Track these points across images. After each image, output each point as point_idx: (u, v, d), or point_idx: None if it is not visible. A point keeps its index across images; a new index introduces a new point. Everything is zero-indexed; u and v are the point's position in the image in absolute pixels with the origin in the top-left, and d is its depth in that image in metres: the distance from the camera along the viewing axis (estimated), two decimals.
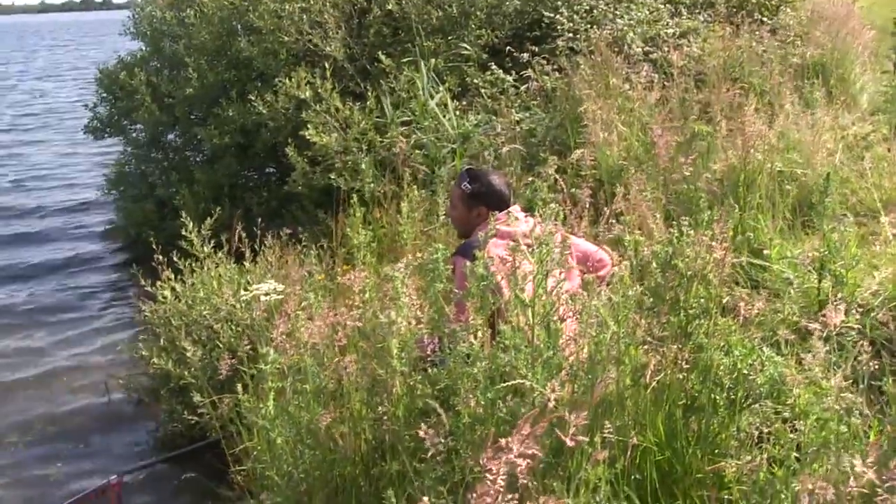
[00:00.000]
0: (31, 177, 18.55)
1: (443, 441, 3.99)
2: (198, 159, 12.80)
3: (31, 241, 14.54)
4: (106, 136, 13.95)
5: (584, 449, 3.76)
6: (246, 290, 6.58)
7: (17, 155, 20.62)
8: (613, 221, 6.63)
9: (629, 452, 4.17)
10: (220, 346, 6.94)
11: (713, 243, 4.57)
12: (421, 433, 3.87)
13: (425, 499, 3.06)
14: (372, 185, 9.29)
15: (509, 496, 3.03)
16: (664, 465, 4.37)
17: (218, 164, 11.93)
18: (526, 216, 5.62)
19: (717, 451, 4.40)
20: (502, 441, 3.06)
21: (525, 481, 3.04)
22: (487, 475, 2.98)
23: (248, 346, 5.69)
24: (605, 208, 6.59)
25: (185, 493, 7.19)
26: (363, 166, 9.37)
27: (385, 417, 4.72)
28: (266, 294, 5.95)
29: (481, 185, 6.02)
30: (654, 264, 4.52)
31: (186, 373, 6.74)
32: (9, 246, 14.28)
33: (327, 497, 5.04)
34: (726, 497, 4.15)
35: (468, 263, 4.53)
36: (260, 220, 8.29)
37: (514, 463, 3.00)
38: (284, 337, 5.16)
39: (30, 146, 21.52)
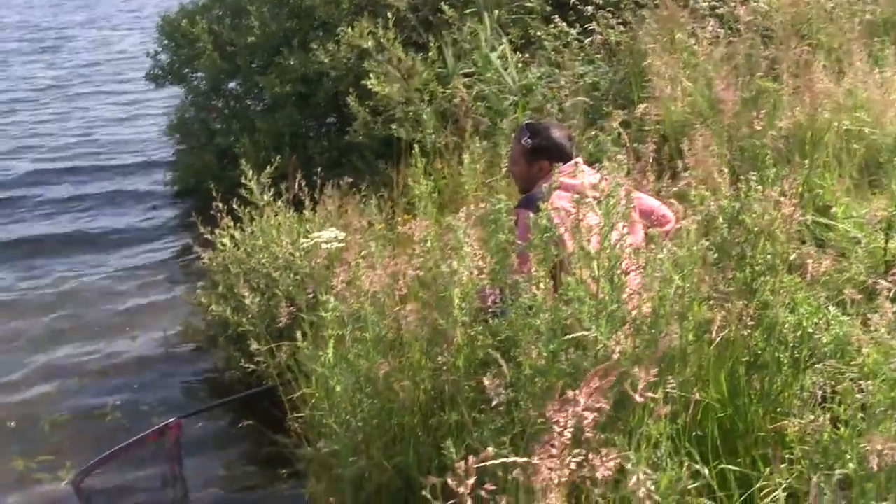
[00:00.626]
0: (92, 125, 18.59)
1: (503, 392, 3.96)
2: (258, 108, 12.76)
3: (92, 187, 14.58)
4: (167, 84, 13.94)
5: (647, 404, 3.72)
6: (307, 237, 6.58)
7: (80, 105, 20.69)
8: (677, 175, 6.57)
9: (691, 408, 4.13)
10: (279, 294, 6.94)
11: (781, 199, 4.50)
12: (486, 381, 3.85)
13: (490, 448, 3.01)
14: (433, 135, 9.26)
15: (574, 449, 3.01)
16: (726, 422, 4.32)
17: (279, 113, 11.89)
18: (592, 170, 5.55)
19: (779, 409, 4.35)
20: (570, 393, 3.02)
21: (590, 435, 3.01)
22: (554, 427, 2.95)
23: (309, 295, 5.70)
24: (669, 163, 6.50)
25: (241, 439, 7.22)
26: (425, 117, 9.33)
27: (445, 368, 4.70)
28: (327, 242, 5.95)
29: (542, 138, 5.96)
30: (721, 219, 4.46)
31: (244, 320, 6.77)
32: (69, 192, 14.35)
33: (384, 446, 5.04)
34: (788, 456, 4.09)
35: (531, 215, 4.49)
36: (320, 169, 8.30)
37: (581, 416, 2.97)
38: (345, 285, 5.15)
39: (92, 96, 21.56)
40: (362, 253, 5.51)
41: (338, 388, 4.79)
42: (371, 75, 9.74)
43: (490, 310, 4.79)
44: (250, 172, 7.17)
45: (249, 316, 6.76)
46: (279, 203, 7.72)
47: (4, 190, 14.50)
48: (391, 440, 5.09)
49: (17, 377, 8.54)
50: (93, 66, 25.19)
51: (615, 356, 3.78)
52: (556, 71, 9.68)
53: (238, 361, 7.36)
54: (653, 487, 3.46)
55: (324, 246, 6.12)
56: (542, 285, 4.26)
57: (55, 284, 10.69)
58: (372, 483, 5.04)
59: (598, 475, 3.08)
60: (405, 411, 5.06)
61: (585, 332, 3.95)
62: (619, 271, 4.12)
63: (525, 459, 3.09)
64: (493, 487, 3.12)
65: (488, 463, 3.04)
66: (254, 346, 6.31)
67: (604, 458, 3.09)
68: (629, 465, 3.45)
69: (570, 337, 4.06)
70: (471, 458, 3.01)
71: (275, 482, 6.67)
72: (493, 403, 3.97)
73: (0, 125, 18.61)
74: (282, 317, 5.74)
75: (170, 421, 6.98)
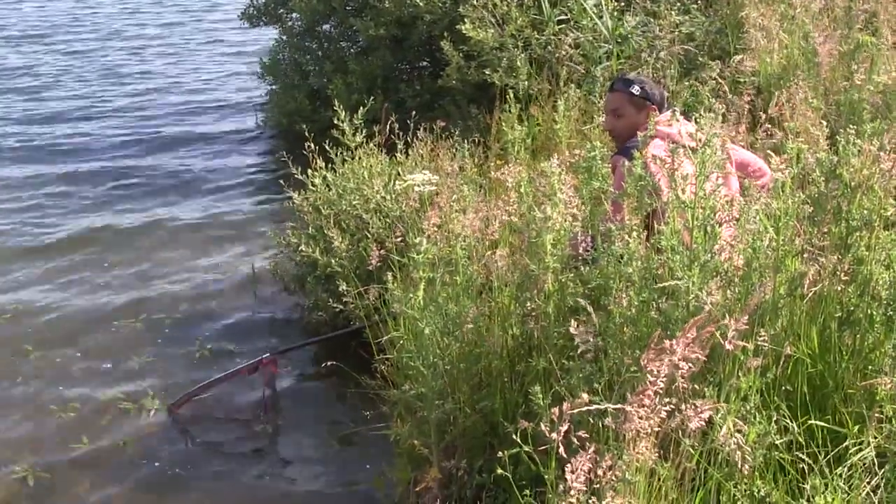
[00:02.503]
0: (185, 66, 18.74)
1: (590, 340, 3.96)
2: (352, 50, 12.76)
3: (184, 127, 14.71)
4: (262, 23, 13.99)
5: (737, 356, 3.70)
6: (399, 180, 6.59)
7: (170, 40, 20.87)
8: (772, 128, 6.48)
9: (781, 362, 4.09)
10: (368, 236, 6.98)
11: (880, 154, 4.42)
12: (572, 329, 3.84)
13: (584, 395, 3.02)
14: (527, 82, 9.22)
15: (667, 399, 3.00)
16: (816, 378, 4.28)
17: (372, 56, 11.90)
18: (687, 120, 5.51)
19: (870, 367, 4.28)
20: (666, 343, 3.01)
21: (683, 385, 3.00)
22: (648, 375, 2.94)
23: (399, 238, 5.72)
24: (764, 115, 6.41)
25: (327, 379, 7.30)
26: (518, 63, 9.28)
27: (534, 314, 4.70)
28: (420, 184, 5.95)
29: (644, 84, 6.00)
30: (818, 172, 4.39)
31: (333, 261, 6.82)
32: (161, 131, 14.50)
33: (471, 390, 5.06)
34: (877, 415, 4.04)
35: (627, 163, 4.47)
36: (413, 112, 8.29)
37: (676, 365, 2.95)
38: (436, 228, 5.16)
39: (186, 35, 21.73)
40: (454, 197, 5.52)
41: (426, 331, 4.80)
42: (466, 20, 9.70)
43: (581, 257, 4.77)
44: (343, 114, 7.18)
45: (338, 257, 6.81)
46: (371, 145, 7.74)
47: (98, 124, 14.70)
48: (477, 385, 5.12)
49: (107, 313, 8.68)
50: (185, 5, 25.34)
51: (707, 307, 3.76)
52: (652, 20, 9.57)
53: (326, 302, 7.45)
54: (741, 440, 3.44)
55: (416, 189, 6.13)
56: (634, 234, 4.24)
57: (147, 223, 10.83)
58: (457, 427, 5.07)
59: (692, 426, 3.07)
60: (493, 356, 5.08)
61: (677, 282, 3.92)
62: (713, 221, 4.09)
63: (618, 406, 3.09)
64: (584, 435, 3.13)
65: (582, 409, 3.04)
66: (342, 287, 6.35)
67: (697, 410, 3.08)
68: (718, 417, 3.44)
69: (661, 286, 4.05)
70: (565, 405, 3.01)
71: (360, 423, 6.71)
72: (580, 351, 3.97)
73: (98, 65, 18.83)
74: (371, 259, 5.77)
75: (264, 356, 7.08)
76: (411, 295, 4.89)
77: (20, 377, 7.61)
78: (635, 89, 5.97)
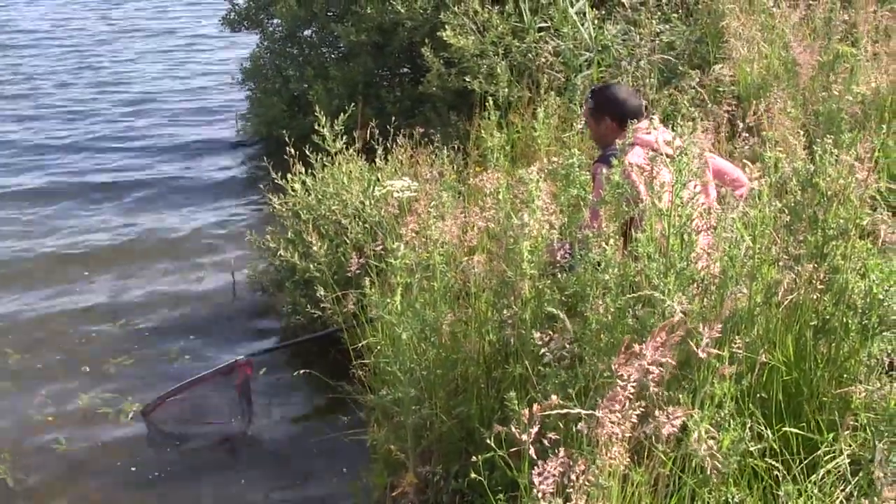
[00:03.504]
0: (164, 71, 18.72)
1: (568, 346, 3.98)
2: (333, 56, 12.77)
3: (163, 130, 14.71)
4: (243, 28, 13.97)
5: (712, 363, 3.72)
6: (379, 185, 6.60)
7: (151, 50, 20.83)
8: (751, 137, 6.52)
9: (756, 370, 4.11)
10: (347, 242, 6.99)
11: (856, 164, 4.45)
12: (537, 340, 3.86)
13: (553, 397, 3.03)
14: (507, 89, 9.24)
15: (637, 403, 3.01)
16: (791, 385, 4.31)
17: (353, 62, 11.90)
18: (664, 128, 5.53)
19: (845, 375, 4.32)
20: (636, 347, 3.02)
21: (655, 390, 3.01)
22: (619, 380, 2.96)
23: (378, 244, 5.73)
24: (742, 124, 6.44)
25: (304, 383, 7.27)
26: (499, 70, 9.31)
27: (510, 320, 4.71)
28: (399, 190, 5.96)
29: (601, 96, 6.05)
30: (795, 181, 4.42)
31: (312, 266, 6.82)
32: (141, 134, 14.49)
33: (448, 396, 5.08)
34: (851, 423, 4.07)
35: (605, 171, 4.49)
36: (393, 119, 8.30)
37: (646, 370, 2.97)
38: (414, 234, 5.17)
39: (164, 40, 21.70)
40: (433, 203, 5.53)
41: (404, 336, 4.81)
42: (447, 27, 9.71)
43: (559, 264, 4.79)
44: (324, 119, 7.19)
45: (317, 262, 6.80)
46: (351, 151, 7.75)
47: (77, 132, 14.66)
48: (454, 390, 5.13)
49: (86, 318, 8.66)
50: (165, 10, 25.28)
51: (678, 315, 3.77)
52: (633, 29, 9.60)
53: (304, 307, 7.46)
54: (714, 447, 3.46)
55: (396, 194, 6.14)
56: (611, 241, 4.26)
57: (127, 229, 10.81)
58: (433, 432, 5.09)
59: (664, 432, 3.08)
60: (469, 362, 5.10)
61: (653, 291, 3.94)
62: (689, 229, 4.11)
63: (589, 412, 3.11)
64: (555, 437, 3.14)
65: (552, 413, 3.05)
66: (320, 292, 6.36)
67: (669, 416, 3.09)
68: (691, 423, 3.46)
69: (637, 294, 4.07)
70: (535, 406, 3.02)
71: (336, 428, 6.71)
72: (545, 360, 4.00)
73: (76, 71, 18.78)
74: (350, 264, 5.77)
75: (239, 359, 7.09)
76: (389, 300, 4.90)
77: None
78: (588, 102, 6.06)
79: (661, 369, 3.06)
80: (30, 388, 7.52)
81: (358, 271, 5.71)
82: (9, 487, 6.36)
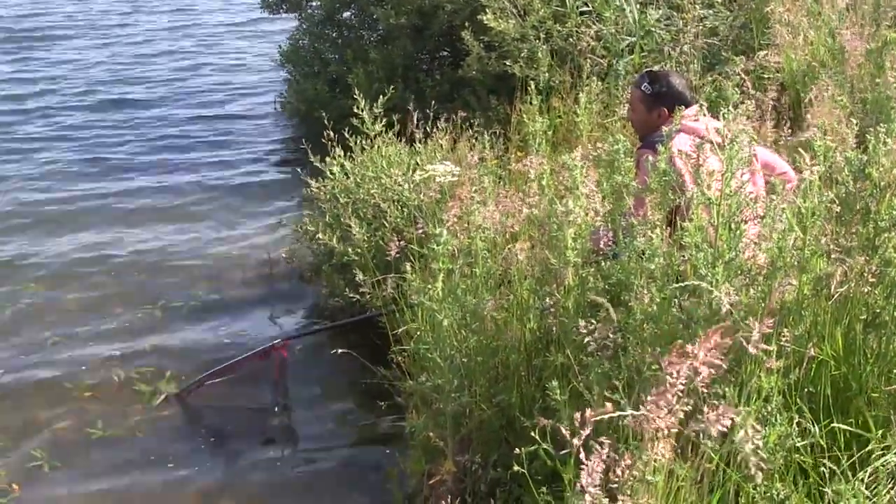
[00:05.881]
0: (203, 51, 18.67)
1: (611, 336, 3.92)
2: (372, 38, 12.71)
3: (202, 113, 14.64)
4: (282, 11, 13.94)
5: (759, 357, 3.64)
6: (421, 169, 6.55)
7: (190, 29, 20.77)
8: (796, 125, 6.43)
9: (804, 364, 4.03)
10: (386, 225, 6.94)
11: None
12: (581, 328, 3.81)
13: (608, 405, 2.97)
14: (548, 74, 9.16)
15: (685, 400, 2.95)
16: (839, 380, 4.22)
17: (392, 45, 11.84)
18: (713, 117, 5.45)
19: (895, 371, 4.23)
20: (689, 347, 2.97)
21: (704, 390, 2.95)
22: (668, 377, 2.90)
23: (420, 229, 5.68)
24: (788, 112, 6.35)
25: (342, 367, 7.23)
26: (540, 55, 9.23)
27: (553, 308, 4.65)
28: (441, 175, 5.91)
29: (661, 85, 5.94)
30: (846, 172, 4.33)
31: (350, 250, 6.79)
32: (180, 117, 14.45)
33: (488, 383, 5.02)
34: None
35: (651, 158, 4.42)
36: (432, 102, 8.24)
37: (696, 370, 2.91)
38: (456, 220, 5.12)
39: (205, 16, 21.63)
40: (474, 188, 5.48)
41: (444, 323, 4.75)
42: (487, 10, 9.63)
43: (602, 252, 4.73)
44: (363, 102, 7.15)
45: (355, 246, 6.78)
46: (390, 134, 7.70)
47: (112, 112, 14.69)
48: (494, 378, 5.08)
49: (125, 298, 8.69)
50: None
51: (726, 307, 3.70)
52: (676, 14, 9.49)
53: (342, 291, 7.40)
54: (761, 443, 3.39)
55: (437, 179, 6.09)
56: (657, 230, 4.19)
57: (165, 208, 10.83)
58: (473, 420, 5.03)
59: (713, 431, 3.02)
60: (510, 350, 5.04)
61: (700, 282, 3.87)
62: (738, 219, 4.03)
63: (639, 413, 3.05)
64: (605, 441, 3.09)
65: (605, 416, 3.00)
66: (359, 276, 6.32)
67: (719, 415, 3.02)
68: (738, 419, 3.39)
69: (683, 284, 4.00)
70: (588, 412, 2.97)
71: (374, 413, 6.71)
72: (588, 350, 3.95)
73: (121, 48, 18.81)
74: (391, 249, 5.72)
75: (276, 342, 7.07)
76: (430, 286, 4.84)
77: (38, 359, 7.64)
78: (646, 87, 5.94)
79: (712, 370, 2.99)
80: (67, 367, 7.55)
81: (398, 255, 5.67)
82: (43, 472, 6.38)
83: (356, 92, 7.15)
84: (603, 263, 4.65)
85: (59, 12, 21.62)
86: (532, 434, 3.45)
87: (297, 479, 6.28)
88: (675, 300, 4.04)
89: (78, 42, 19.01)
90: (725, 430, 3.21)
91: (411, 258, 5.70)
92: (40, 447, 6.57)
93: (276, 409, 7.01)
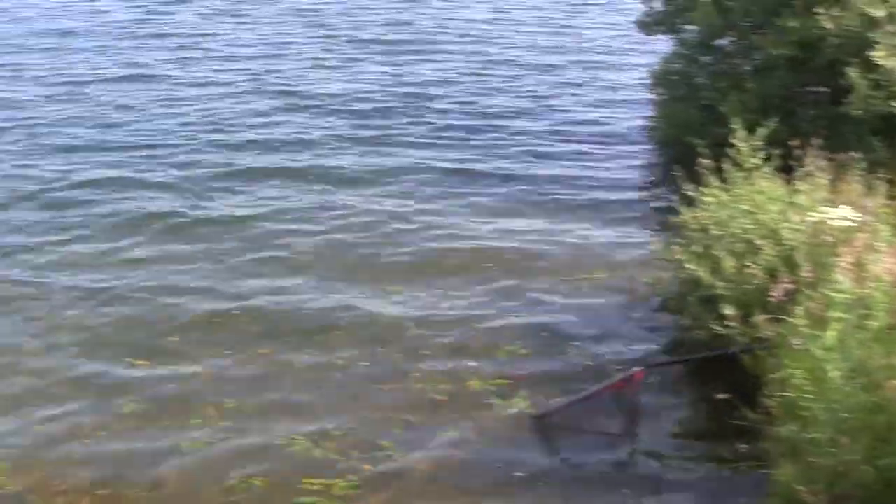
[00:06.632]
0: (568, 64, 18.70)
1: None
2: (747, 68, 12.41)
3: (564, 132, 14.60)
4: (657, 32, 13.84)
5: None
6: (815, 211, 6.34)
7: (562, 40, 20.89)
8: None
9: None
10: (759, 262, 6.73)
11: None
12: None
13: None
14: None
15: None
16: None
17: (769, 76, 11.51)
18: None
19: None
20: None
21: None
22: None
23: (809, 272, 5.49)
24: None
25: (700, 401, 7.13)
26: None
27: None
28: (837, 219, 5.70)
29: None
30: None
31: (719, 283, 6.63)
32: (544, 130, 14.52)
33: (870, 445, 4.76)
34: None
35: None
36: (810, 138, 7.95)
37: None
38: (850, 267, 4.91)
39: (578, 33, 21.67)
40: (869, 235, 5.24)
41: (833, 374, 4.54)
42: (878, 47, 9.21)
43: None
44: (742, 133, 6.99)
45: (725, 279, 6.62)
46: (767, 168, 7.49)
47: (488, 120, 15.03)
48: (876, 439, 4.81)
49: (484, 315, 8.78)
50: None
51: None
52: None
53: (706, 322, 7.21)
54: None
55: (831, 223, 5.87)
56: None
57: (530, 229, 10.86)
58: (849, 479, 4.79)
59: None
60: None
61: None
62: None
63: None
64: None
65: None
66: (726, 310, 6.16)
67: None
68: None
69: None
70: None
71: (728, 453, 6.52)
72: None
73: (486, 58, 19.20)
74: (776, 290, 5.54)
75: (634, 370, 6.96)
76: (818, 333, 4.64)
77: (401, 370, 7.87)
78: None
79: None
80: (416, 362, 7.89)
81: (784, 297, 5.48)
82: (393, 460, 6.64)
83: (729, 120, 6.98)
84: None
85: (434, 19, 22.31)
86: None
87: (636, 501, 6.25)
88: None
89: (451, 51, 19.51)
90: None
91: (799, 301, 5.49)
92: (391, 440, 6.87)
93: (628, 438, 6.91)
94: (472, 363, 7.83)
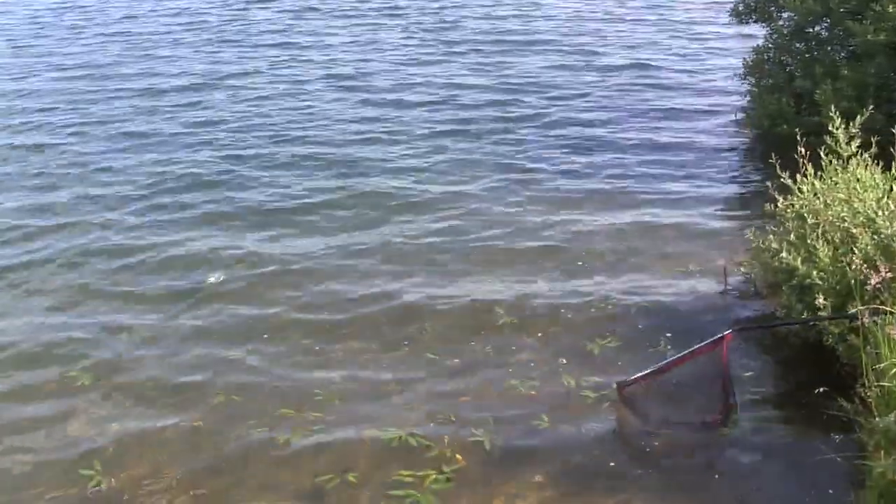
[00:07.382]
0: (662, 57, 18.54)
1: None
2: (843, 55, 12.24)
3: (659, 117, 14.58)
4: (751, 21, 13.71)
5: None
6: None
7: (657, 24, 20.79)
8: None
9: None
10: (855, 251, 6.64)
11: None
12: None
13: None
14: None
15: None
16: None
17: (867, 63, 11.33)
18: None
19: None
20: None
21: None
22: None
23: None
24: None
25: (789, 374, 7.08)
26: None
27: None
28: None
29: None
30: None
31: (814, 272, 6.57)
32: (637, 121, 14.52)
33: None
34: None
35: None
36: None
37: None
38: None
39: (670, 21, 21.51)
40: None
41: None
42: None
43: None
44: (838, 121, 6.91)
45: (820, 269, 6.54)
46: (865, 156, 7.39)
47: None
48: None
49: (577, 300, 8.83)
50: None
51: None
52: None
53: (800, 313, 7.15)
54: None
55: None
56: None
57: (625, 218, 10.84)
58: None
59: None
60: None
61: None
62: None
63: None
64: None
65: None
66: (820, 300, 6.10)
67: None
68: None
69: None
70: None
71: (821, 443, 6.42)
72: None
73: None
74: (872, 280, 5.47)
75: (726, 332, 6.82)
76: None
77: (485, 358, 7.97)
78: None
79: None
80: (508, 355, 7.92)
81: (878, 286, 5.42)
82: (485, 450, 6.71)
83: (826, 109, 6.90)
84: None
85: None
86: None
87: (730, 497, 6.19)
88: None
89: (542, 49, 19.56)
90: None
91: (890, 290, 5.42)
92: (483, 428, 6.93)
93: (732, 400, 6.82)
94: (563, 358, 7.84)
